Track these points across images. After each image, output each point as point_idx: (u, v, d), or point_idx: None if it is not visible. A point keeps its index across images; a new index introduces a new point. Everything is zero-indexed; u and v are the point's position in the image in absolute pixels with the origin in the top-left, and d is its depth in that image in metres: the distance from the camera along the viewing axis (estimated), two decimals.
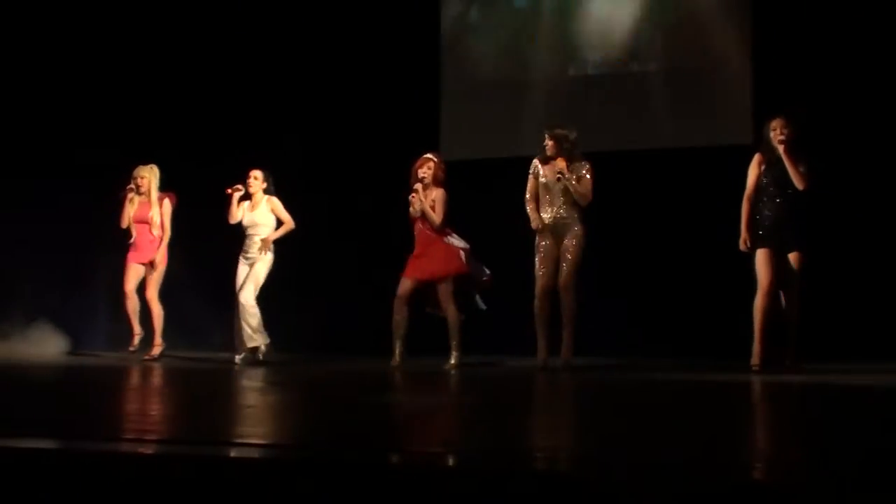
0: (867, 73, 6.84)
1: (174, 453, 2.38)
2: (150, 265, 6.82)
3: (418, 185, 6.07)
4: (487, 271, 6.13)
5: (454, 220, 6.31)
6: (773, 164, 5.55)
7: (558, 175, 5.68)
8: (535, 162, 5.91)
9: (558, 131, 5.78)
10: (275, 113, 8.27)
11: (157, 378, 5.35)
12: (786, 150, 5.45)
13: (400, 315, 6.08)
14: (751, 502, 1.88)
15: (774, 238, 5.52)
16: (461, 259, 6.05)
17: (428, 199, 6.08)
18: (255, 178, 6.63)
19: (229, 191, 6.53)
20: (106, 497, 2.18)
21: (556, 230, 5.78)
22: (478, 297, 6.17)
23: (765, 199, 5.59)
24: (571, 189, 5.69)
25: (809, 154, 5.52)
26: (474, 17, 8.21)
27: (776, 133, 5.51)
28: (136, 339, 6.83)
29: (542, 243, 5.79)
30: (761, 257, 5.55)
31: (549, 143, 5.78)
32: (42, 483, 2.22)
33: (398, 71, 8.02)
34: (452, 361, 5.95)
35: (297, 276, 7.46)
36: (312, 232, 7.04)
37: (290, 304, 7.26)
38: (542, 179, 5.83)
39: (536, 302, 5.78)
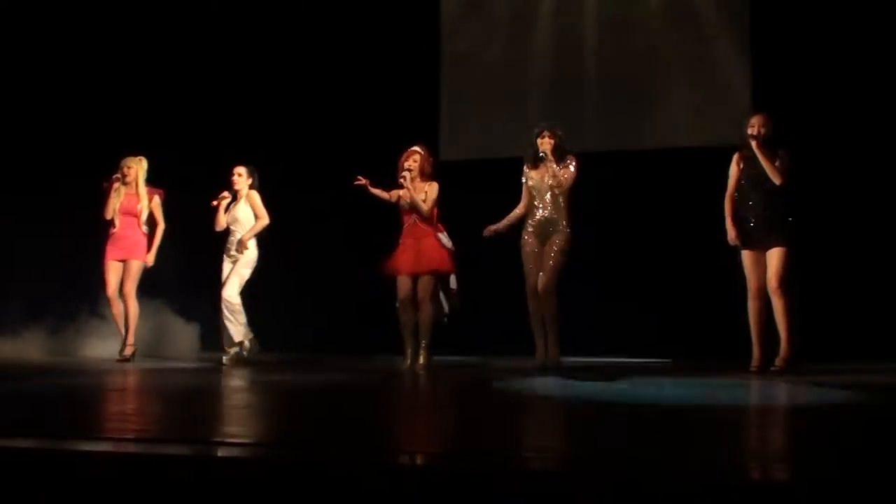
0: (867, 72, 6.84)
1: (160, 453, 2.36)
2: (128, 261, 6.62)
3: (406, 174, 5.99)
4: (456, 286, 6.06)
5: (452, 219, 6.29)
6: (749, 162, 5.51)
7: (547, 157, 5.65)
8: (525, 169, 5.91)
9: (554, 127, 5.81)
10: (274, 113, 8.27)
11: (151, 378, 5.33)
12: (758, 146, 5.40)
13: (407, 316, 5.98)
14: (750, 502, 1.86)
15: (756, 238, 5.48)
16: (450, 259, 6.02)
17: (420, 193, 6.03)
18: (240, 175, 6.51)
19: (215, 203, 6.39)
20: (95, 497, 2.17)
21: (542, 231, 5.78)
22: (444, 300, 6.09)
23: (743, 199, 5.54)
24: (556, 182, 5.69)
25: (800, 150, 5.48)
26: (474, 17, 8.20)
27: (753, 129, 5.46)
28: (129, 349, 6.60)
29: (528, 244, 5.81)
30: (746, 259, 5.52)
31: (546, 139, 5.76)
32: (30, 483, 2.21)
33: (397, 71, 8.01)
34: (421, 361, 5.89)
35: (295, 276, 7.45)
36: (310, 233, 7.03)
37: (284, 303, 7.24)
38: (531, 182, 5.86)
39: (529, 301, 5.76)
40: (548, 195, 5.77)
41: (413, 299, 5.95)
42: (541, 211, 5.80)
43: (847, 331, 6.46)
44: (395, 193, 6.11)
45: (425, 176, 6.10)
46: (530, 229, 5.82)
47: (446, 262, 6.00)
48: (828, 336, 6.24)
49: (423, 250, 5.96)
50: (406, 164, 6.06)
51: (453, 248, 6.06)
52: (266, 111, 8.27)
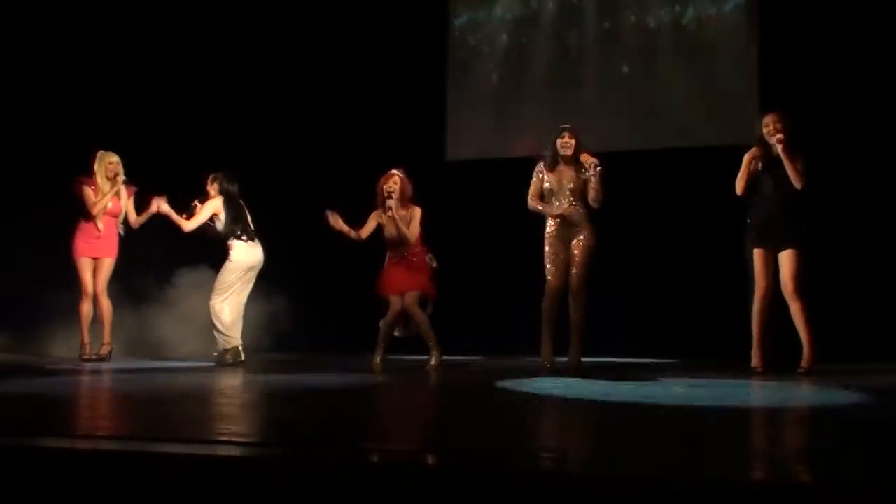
0: (872, 71, 6.83)
1: (147, 451, 2.36)
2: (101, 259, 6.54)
3: (392, 203, 5.98)
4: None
5: (456, 219, 6.30)
6: (768, 161, 5.44)
7: (597, 167, 5.54)
8: (540, 166, 5.82)
9: (575, 129, 5.75)
10: (279, 115, 8.27)
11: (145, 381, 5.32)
12: (784, 148, 5.32)
13: (390, 329, 6.09)
14: (751, 502, 1.85)
15: (768, 238, 5.42)
16: (432, 280, 6.11)
17: (404, 218, 6.04)
18: (210, 183, 6.44)
19: (195, 202, 6.33)
20: (93, 496, 2.17)
21: (565, 231, 5.72)
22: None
23: (759, 198, 5.48)
24: (594, 185, 5.61)
25: (812, 152, 5.45)
26: (481, 19, 8.22)
27: (769, 130, 5.39)
28: (88, 349, 6.53)
29: (552, 244, 5.72)
30: (756, 259, 5.46)
31: (570, 141, 5.70)
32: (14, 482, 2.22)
33: (404, 71, 8.01)
34: (433, 362, 5.93)
35: (296, 276, 7.44)
36: (312, 233, 7.00)
37: (285, 303, 7.23)
38: (547, 185, 5.78)
39: (546, 302, 5.69)
40: (568, 197, 5.70)
41: (403, 313, 6.04)
42: (560, 211, 5.73)
43: (854, 332, 6.44)
44: (373, 221, 6.09)
45: (406, 199, 6.09)
46: (552, 231, 5.73)
47: (431, 282, 6.10)
48: (836, 337, 6.21)
49: (412, 271, 6.04)
50: (386, 187, 6.06)
51: (436, 267, 6.15)
52: (271, 112, 8.27)
